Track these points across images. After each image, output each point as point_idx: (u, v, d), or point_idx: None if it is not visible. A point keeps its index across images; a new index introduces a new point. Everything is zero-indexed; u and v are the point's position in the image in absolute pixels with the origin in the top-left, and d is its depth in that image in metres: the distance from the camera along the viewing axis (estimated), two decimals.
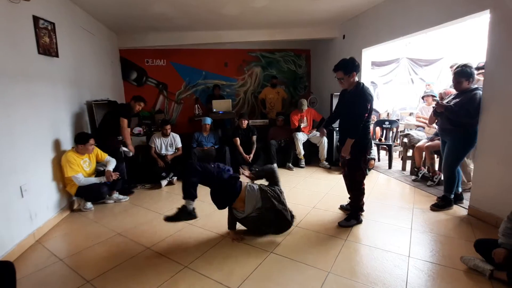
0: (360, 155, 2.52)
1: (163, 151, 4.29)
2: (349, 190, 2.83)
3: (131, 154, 3.81)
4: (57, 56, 3.03)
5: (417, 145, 3.85)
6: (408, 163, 4.23)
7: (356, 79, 2.49)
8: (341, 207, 3.02)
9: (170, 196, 3.68)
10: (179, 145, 4.41)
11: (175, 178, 4.15)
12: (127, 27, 4.95)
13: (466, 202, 2.94)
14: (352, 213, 2.67)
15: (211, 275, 1.94)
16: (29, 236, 2.43)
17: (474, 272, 1.88)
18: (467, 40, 5.76)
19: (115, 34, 5.35)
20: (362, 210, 2.69)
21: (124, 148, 3.78)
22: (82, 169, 3.08)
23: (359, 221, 2.64)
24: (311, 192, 3.58)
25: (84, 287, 1.87)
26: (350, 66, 2.43)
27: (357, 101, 2.41)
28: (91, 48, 4.16)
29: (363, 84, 2.48)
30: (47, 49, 2.86)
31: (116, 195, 3.47)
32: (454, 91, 3.45)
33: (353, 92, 2.48)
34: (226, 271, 1.98)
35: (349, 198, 2.90)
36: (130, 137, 3.81)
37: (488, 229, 2.46)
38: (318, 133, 4.91)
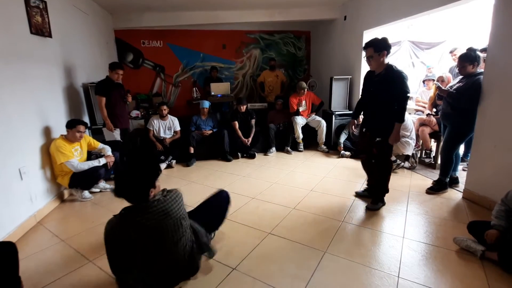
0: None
1: (162, 134, 4.28)
2: (371, 174, 2.79)
3: (114, 135, 3.56)
4: (50, 36, 2.95)
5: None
6: None
7: (386, 60, 2.37)
8: (357, 194, 2.92)
9: (169, 179, 3.70)
10: (178, 128, 4.39)
11: (173, 162, 4.17)
12: (122, 6, 4.79)
13: (461, 186, 2.98)
14: (380, 196, 2.65)
15: None
16: (30, 218, 2.46)
17: (466, 252, 1.93)
18: (470, 23, 5.63)
19: (110, 14, 5.17)
20: (388, 191, 2.66)
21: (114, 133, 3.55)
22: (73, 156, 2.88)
23: (383, 203, 2.66)
24: (309, 176, 3.61)
25: (86, 266, 1.92)
26: (382, 44, 2.32)
27: (398, 82, 2.29)
28: (85, 29, 4.04)
29: (395, 65, 2.35)
30: (40, 29, 2.78)
31: (102, 183, 3.26)
32: (449, 77, 3.44)
33: (384, 75, 2.36)
34: (224, 251, 2.02)
35: (368, 184, 2.89)
36: (107, 115, 3.44)
37: (482, 211, 2.52)
38: (317, 117, 4.91)
